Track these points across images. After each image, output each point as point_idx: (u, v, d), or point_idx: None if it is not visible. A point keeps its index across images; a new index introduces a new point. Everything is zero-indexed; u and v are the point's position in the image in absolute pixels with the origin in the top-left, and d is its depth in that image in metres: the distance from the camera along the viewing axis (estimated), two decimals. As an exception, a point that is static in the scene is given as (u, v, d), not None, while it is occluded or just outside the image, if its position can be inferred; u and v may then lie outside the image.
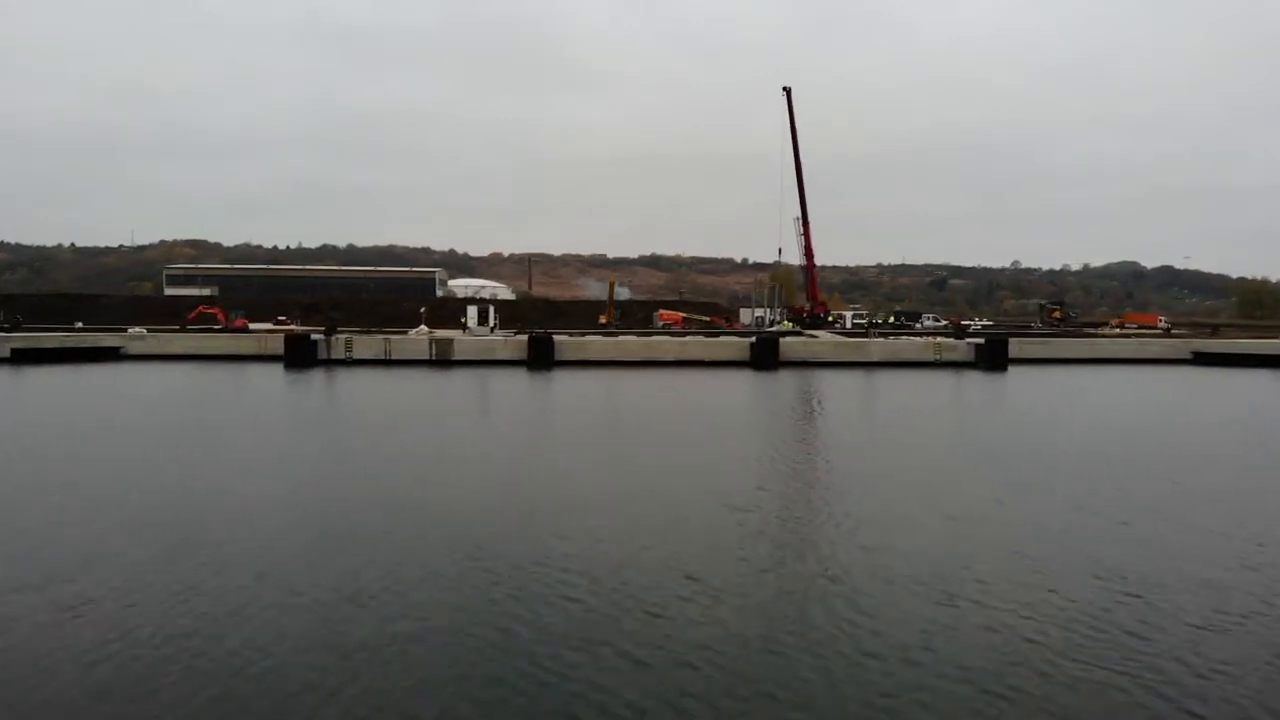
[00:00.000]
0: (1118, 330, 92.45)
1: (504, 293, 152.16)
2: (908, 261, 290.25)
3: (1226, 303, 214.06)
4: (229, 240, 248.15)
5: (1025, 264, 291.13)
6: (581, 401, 45.28)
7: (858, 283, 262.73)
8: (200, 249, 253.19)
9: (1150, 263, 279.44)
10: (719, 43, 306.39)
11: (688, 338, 66.53)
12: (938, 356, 64.17)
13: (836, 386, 53.65)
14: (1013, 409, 44.21)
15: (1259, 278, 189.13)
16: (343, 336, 63.03)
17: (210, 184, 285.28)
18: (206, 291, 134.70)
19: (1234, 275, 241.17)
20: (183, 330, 74.08)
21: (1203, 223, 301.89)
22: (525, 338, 62.62)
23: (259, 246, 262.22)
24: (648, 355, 62.69)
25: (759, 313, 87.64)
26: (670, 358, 62.67)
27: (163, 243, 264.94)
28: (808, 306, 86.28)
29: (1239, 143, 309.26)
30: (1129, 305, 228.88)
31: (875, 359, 63.71)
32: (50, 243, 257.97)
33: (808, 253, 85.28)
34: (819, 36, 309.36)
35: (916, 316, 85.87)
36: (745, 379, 57.19)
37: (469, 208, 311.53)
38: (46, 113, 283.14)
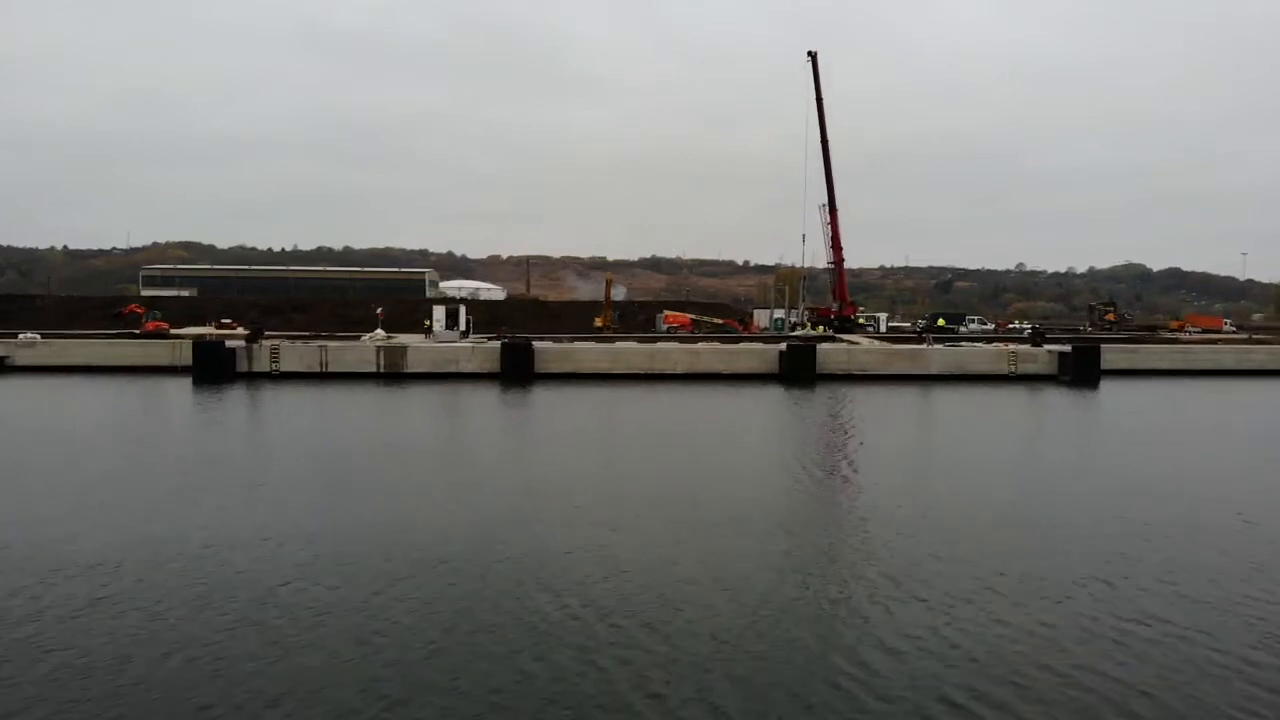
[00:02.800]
0: (1188, 335, 77.34)
1: (498, 294, 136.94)
2: (911, 264, 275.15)
3: (1250, 305, 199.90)
4: (223, 243, 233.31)
5: (1030, 266, 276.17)
6: (559, 437, 30.26)
7: (861, 285, 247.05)
8: (194, 251, 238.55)
9: (1155, 265, 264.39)
10: (713, 51, 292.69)
11: (700, 345, 51.51)
12: (1013, 368, 49.15)
13: (897, 409, 38.70)
14: (1148, 444, 29.21)
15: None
16: (268, 344, 47.96)
17: (209, 189, 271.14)
18: (185, 293, 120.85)
19: (1241, 278, 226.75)
20: (116, 324, 59.68)
21: (1202, 225, 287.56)
22: (498, 345, 47.56)
23: (253, 249, 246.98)
24: (651, 367, 47.67)
25: (778, 314, 72.79)
26: (680, 370, 47.69)
27: (155, 245, 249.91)
28: (835, 307, 71.24)
29: (1232, 146, 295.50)
30: (1139, 307, 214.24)
31: (935, 371, 48.70)
32: (44, 245, 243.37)
33: (834, 244, 70.18)
34: (810, 45, 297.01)
35: (959, 318, 71.35)
36: (776, 399, 42.17)
37: (468, 212, 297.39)
38: (47, 117, 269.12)
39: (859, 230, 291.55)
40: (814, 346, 48.30)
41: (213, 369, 45.95)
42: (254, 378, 46.64)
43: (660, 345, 50.90)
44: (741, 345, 51.50)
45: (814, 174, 68.31)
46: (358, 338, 56.07)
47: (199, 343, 47.34)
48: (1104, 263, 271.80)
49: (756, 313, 78.78)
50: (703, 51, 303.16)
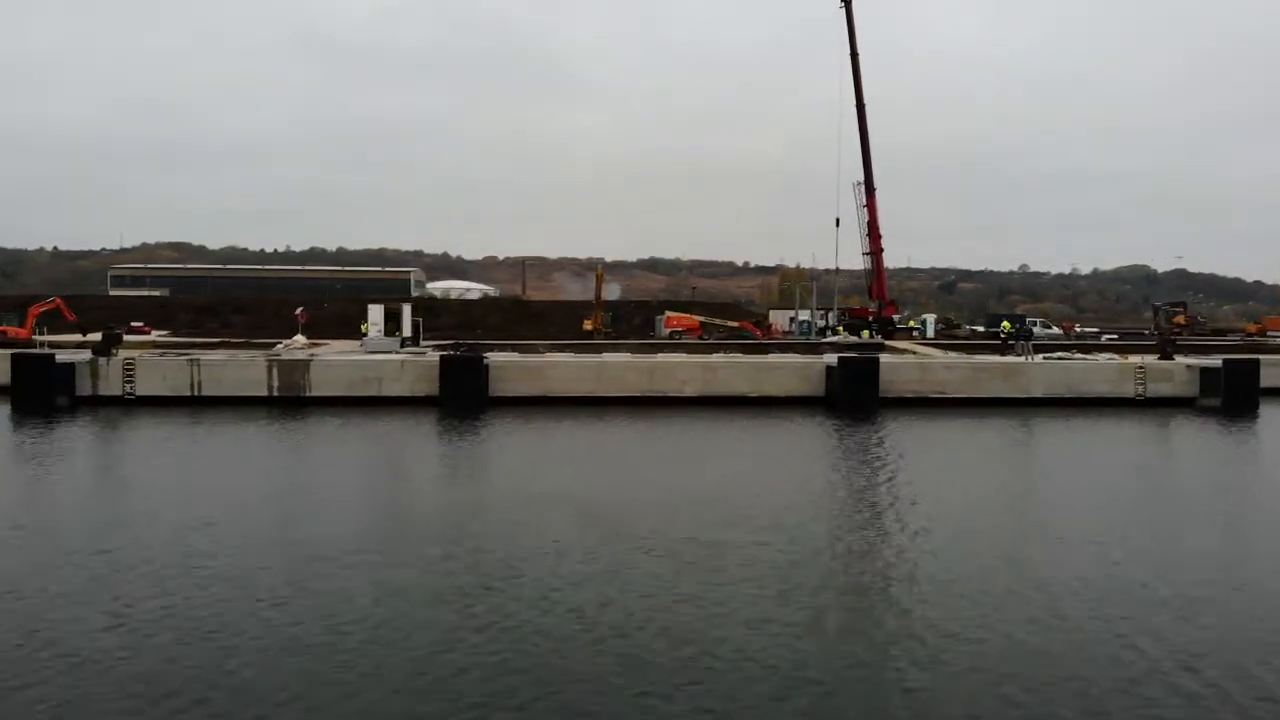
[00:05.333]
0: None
1: (475, 293, 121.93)
2: (914, 265, 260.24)
3: (1259, 306, 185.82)
4: (214, 244, 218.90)
5: (1033, 268, 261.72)
6: (485, 530, 15.30)
7: (862, 287, 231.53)
8: (184, 252, 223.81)
9: (1160, 267, 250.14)
10: (711, 54, 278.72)
11: (716, 357, 36.48)
12: (1140, 390, 34.47)
13: (1008, 456, 24.12)
14: None
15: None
16: (120, 358, 33.15)
17: (205, 192, 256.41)
18: (156, 293, 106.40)
19: (1248, 279, 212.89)
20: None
21: (1202, 226, 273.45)
22: (436, 359, 32.63)
23: (245, 249, 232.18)
24: (651, 387, 32.94)
25: (803, 316, 58.13)
26: (689, 391, 32.96)
27: (144, 245, 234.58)
28: (872, 307, 56.68)
29: (1226, 150, 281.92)
30: (1146, 309, 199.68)
31: (1039, 394, 33.99)
32: (33, 247, 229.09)
33: (872, 230, 55.49)
34: (807, 49, 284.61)
35: (1019, 320, 56.25)
36: (829, 435, 27.56)
37: (466, 213, 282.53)
38: (46, 120, 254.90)
39: (857, 235, 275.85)
40: (876, 360, 33.43)
41: (39, 391, 31.22)
42: (100, 403, 31.98)
43: (663, 358, 36.02)
44: (771, 358, 36.55)
45: (848, 133, 54.44)
46: (272, 345, 41.44)
47: (20, 357, 32.49)
48: (1108, 264, 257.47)
49: (773, 314, 64.23)
50: (700, 54, 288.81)
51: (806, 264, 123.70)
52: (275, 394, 32.27)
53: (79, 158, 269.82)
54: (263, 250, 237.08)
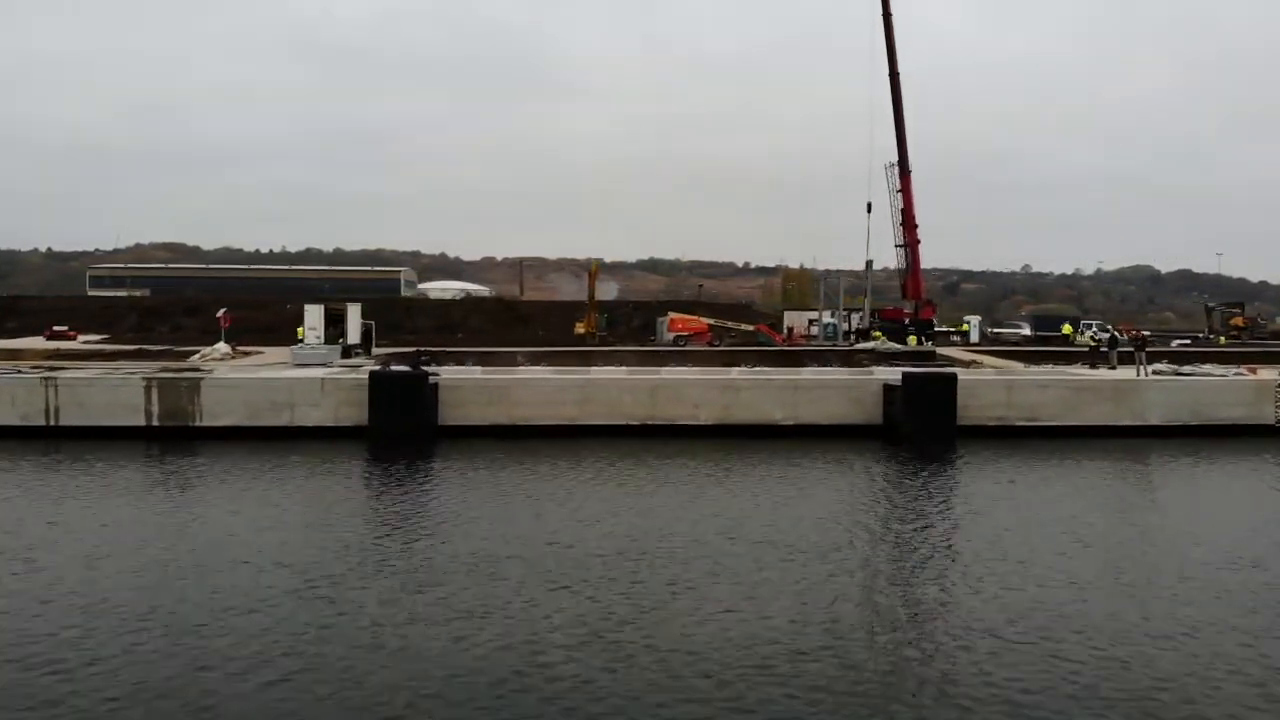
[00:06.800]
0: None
1: (474, 294, 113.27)
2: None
3: (1265, 306, 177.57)
4: (210, 244, 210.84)
5: (1036, 268, 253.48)
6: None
7: (864, 287, 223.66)
8: (178, 253, 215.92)
9: (1164, 267, 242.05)
10: (709, 56, 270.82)
11: (738, 372, 27.48)
12: (1279, 414, 25.95)
13: (1165, 510, 15.27)
14: None
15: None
16: (-48, 374, 24.56)
17: (205, 193, 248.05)
18: (138, 293, 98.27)
19: (1254, 279, 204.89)
20: None
21: (1204, 226, 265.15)
22: (366, 379, 23.94)
23: (239, 250, 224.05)
24: (654, 414, 24.30)
25: (829, 319, 49.19)
26: (705, 419, 24.38)
27: (138, 246, 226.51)
28: (908, 308, 48.10)
29: (1221, 152, 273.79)
30: (1152, 310, 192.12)
31: (1155, 420, 25.44)
32: (27, 248, 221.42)
33: (908, 218, 46.85)
34: (805, 51, 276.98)
35: (1074, 323, 47.62)
36: (909, 487, 18.89)
37: (464, 215, 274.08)
38: (46, 122, 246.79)
39: (858, 236, 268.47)
40: (954, 377, 24.72)
41: None
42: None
43: (668, 373, 27.21)
44: (807, 374, 27.78)
45: (880, 106, 46.45)
46: (193, 352, 32.84)
47: None
48: (1111, 264, 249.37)
49: (789, 316, 55.27)
50: (699, 56, 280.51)
51: (808, 264, 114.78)
52: (156, 423, 23.68)
53: (77, 159, 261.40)
54: (258, 251, 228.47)
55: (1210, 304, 69.34)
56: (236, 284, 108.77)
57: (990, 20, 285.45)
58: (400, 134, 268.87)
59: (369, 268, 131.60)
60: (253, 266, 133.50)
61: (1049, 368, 30.15)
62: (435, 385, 23.68)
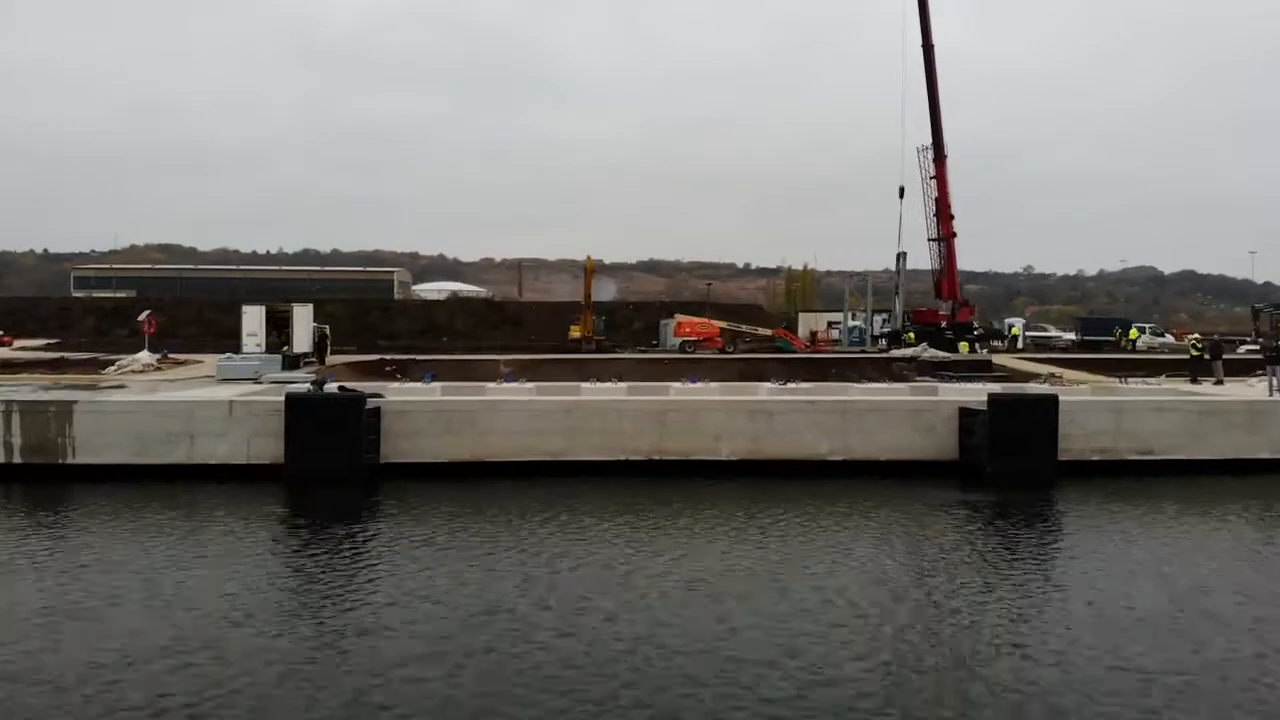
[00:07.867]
0: None
1: (461, 295, 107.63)
2: (915, 266, 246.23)
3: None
4: (206, 245, 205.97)
5: (1038, 269, 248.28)
6: None
7: (864, 288, 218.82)
8: (173, 254, 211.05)
9: (1167, 268, 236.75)
10: (708, 57, 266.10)
11: (768, 391, 21.39)
12: None
13: None
14: None
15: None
16: None
17: (203, 194, 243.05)
18: (123, 294, 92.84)
19: (1258, 280, 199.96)
20: None
21: (1204, 226, 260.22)
22: (282, 404, 18.11)
23: (235, 251, 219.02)
24: (662, 447, 18.54)
25: (855, 322, 43.27)
26: (727, 454, 18.61)
27: (133, 248, 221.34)
28: (945, 310, 42.32)
29: (1219, 154, 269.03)
30: (1155, 311, 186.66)
31: (1294, 451, 19.72)
32: (22, 249, 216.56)
33: (943, 208, 41.12)
34: (803, 53, 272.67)
35: (1125, 326, 41.53)
36: (1004, 548, 12.73)
37: (463, 216, 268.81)
38: (45, 124, 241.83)
39: (858, 237, 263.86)
40: (1055, 400, 18.81)
41: None
42: None
43: (679, 393, 21.20)
44: (857, 393, 21.84)
45: (914, 85, 40.71)
46: (114, 357, 27.01)
47: None
48: (1114, 265, 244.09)
49: (805, 318, 49.22)
50: (700, 56, 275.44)
51: (808, 265, 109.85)
52: (16, 459, 17.85)
53: (76, 161, 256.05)
54: (254, 252, 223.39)
55: (1258, 306, 63.24)
56: (219, 285, 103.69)
57: (990, 20, 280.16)
58: (400, 135, 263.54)
59: (360, 268, 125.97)
60: (240, 267, 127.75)
61: (1156, 383, 24.30)
62: (377, 410, 17.80)
